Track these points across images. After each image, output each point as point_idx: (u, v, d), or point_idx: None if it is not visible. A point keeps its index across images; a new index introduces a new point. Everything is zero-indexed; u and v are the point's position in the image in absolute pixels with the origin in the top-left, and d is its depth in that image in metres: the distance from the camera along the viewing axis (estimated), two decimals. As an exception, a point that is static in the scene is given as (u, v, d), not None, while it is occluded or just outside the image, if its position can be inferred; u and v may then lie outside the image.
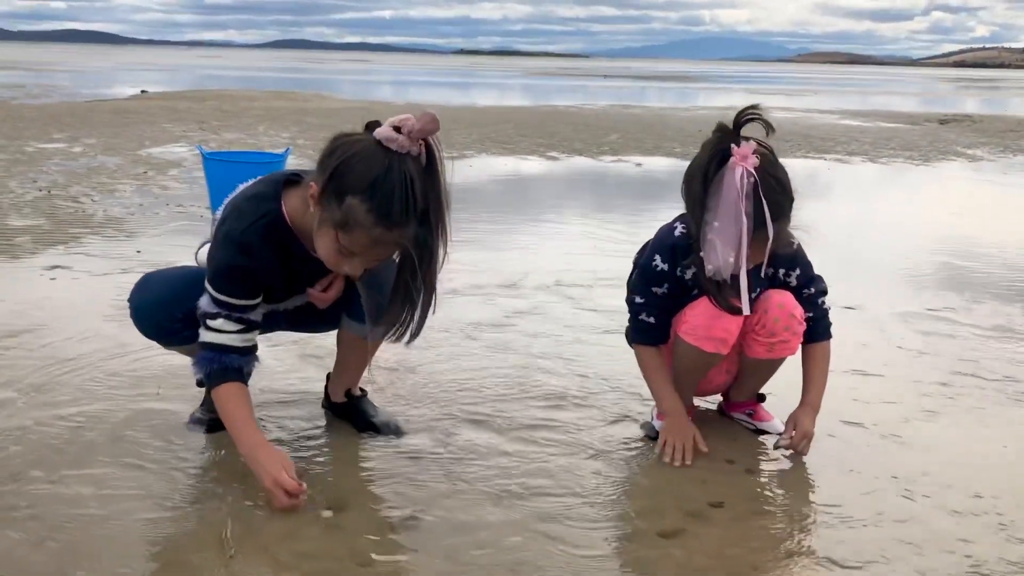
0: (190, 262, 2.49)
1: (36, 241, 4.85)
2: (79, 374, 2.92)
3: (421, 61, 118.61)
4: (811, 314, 2.49)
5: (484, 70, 64.14)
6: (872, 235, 6.09)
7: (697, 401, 2.79)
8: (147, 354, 2.98)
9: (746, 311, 2.29)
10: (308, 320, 2.52)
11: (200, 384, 2.36)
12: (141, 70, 40.31)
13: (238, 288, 2.19)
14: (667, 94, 29.49)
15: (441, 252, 2.10)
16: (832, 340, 2.57)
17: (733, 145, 2.17)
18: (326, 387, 2.71)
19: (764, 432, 2.67)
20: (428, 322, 2.20)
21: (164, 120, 12.31)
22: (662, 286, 2.45)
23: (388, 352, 2.86)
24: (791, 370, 2.60)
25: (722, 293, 2.29)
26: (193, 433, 2.53)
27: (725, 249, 2.18)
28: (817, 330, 2.51)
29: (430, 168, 2.04)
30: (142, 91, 19.97)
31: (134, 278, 2.46)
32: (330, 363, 2.70)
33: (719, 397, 2.80)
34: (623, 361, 2.62)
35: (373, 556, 1.97)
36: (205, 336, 2.22)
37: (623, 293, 2.61)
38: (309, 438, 2.55)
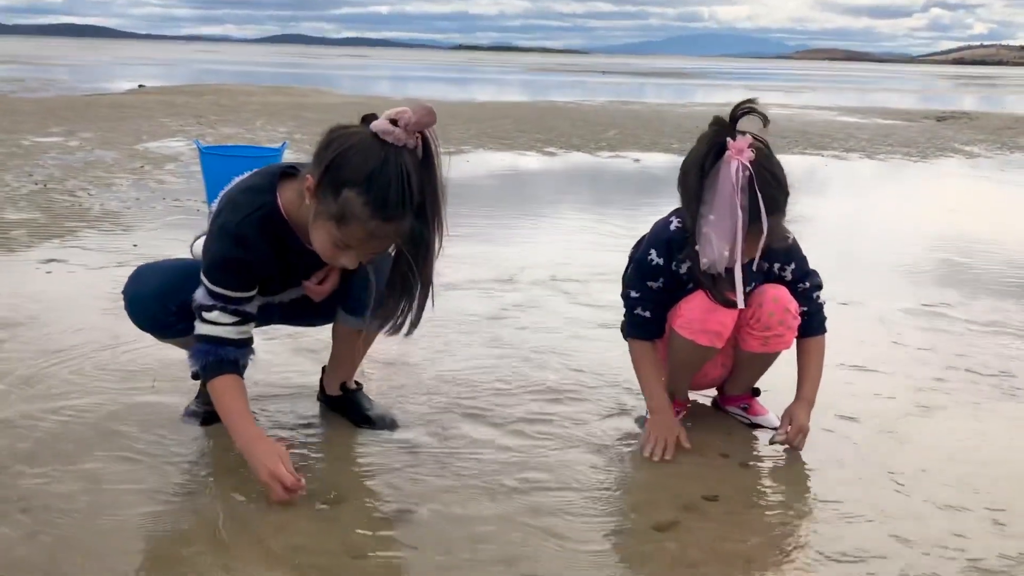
0: (186, 256, 2.49)
1: (32, 235, 4.85)
2: (73, 367, 2.92)
3: (419, 56, 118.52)
4: (806, 308, 2.49)
5: (482, 66, 64.09)
6: (869, 231, 6.10)
7: (692, 395, 2.79)
8: (142, 347, 2.97)
9: (741, 304, 2.29)
10: (303, 313, 2.52)
11: (195, 376, 2.36)
12: (138, 64, 40.27)
13: (233, 280, 2.19)
14: (665, 90, 29.49)
15: (437, 245, 2.10)
16: (828, 335, 2.57)
17: (729, 139, 2.17)
18: (321, 380, 2.71)
19: (759, 426, 2.67)
20: (425, 315, 2.19)
21: (161, 115, 12.29)
22: (657, 280, 2.45)
23: (384, 346, 2.85)
24: (786, 365, 2.60)
25: (717, 286, 2.29)
26: (188, 426, 2.53)
27: (720, 242, 2.18)
28: (812, 324, 2.51)
29: (426, 161, 2.04)
30: (139, 85, 19.93)
31: (130, 272, 2.45)
32: (325, 356, 2.70)
33: (714, 391, 2.81)
34: (619, 355, 2.62)
35: (367, 549, 1.97)
36: (201, 329, 2.21)
37: (619, 288, 2.60)
38: (304, 431, 2.55)
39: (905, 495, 2.30)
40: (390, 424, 2.59)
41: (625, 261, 2.62)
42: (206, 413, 2.53)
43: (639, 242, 2.57)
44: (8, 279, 3.99)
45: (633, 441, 2.56)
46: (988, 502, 2.27)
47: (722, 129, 2.20)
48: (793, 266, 2.48)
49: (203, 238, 2.30)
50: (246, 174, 2.31)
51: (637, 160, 9.52)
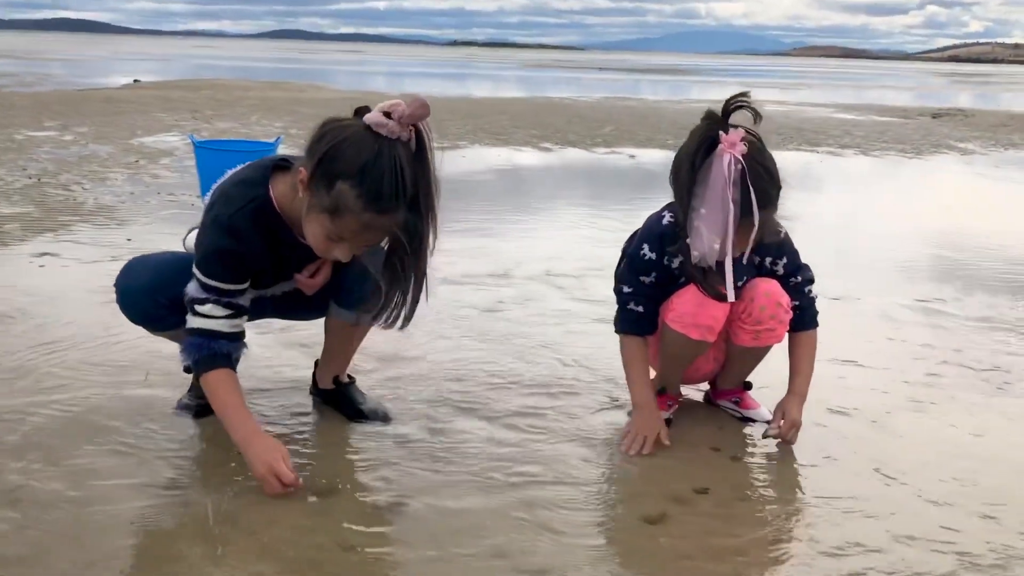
0: (179, 249, 2.48)
1: (25, 229, 4.83)
2: (64, 360, 2.91)
3: (416, 52, 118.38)
4: (798, 303, 2.49)
5: (479, 62, 64.02)
6: (863, 227, 6.11)
7: (684, 389, 2.79)
8: (134, 340, 2.97)
9: (731, 298, 2.29)
10: (296, 307, 2.52)
11: (187, 370, 2.35)
12: (134, 59, 40.15)
13: (226, 272, 2.18)
14: (661, 87, 29.49)
15: (431, 237, 2.10)
16: (820, 329, 2.58)
17: (721, 132, 2.17)
18: (314, 374, 2.71)
19: (750, 420, 2.67)
20: (419, 309, 2.19)
21: (157, 109, 12.26)
22: (650, 275, 2.45)
23: (377, 340, 2.85)
24: (778, 359, 2.60)
25: (708, 280, 2.29)
26: (180, 419, 2.53)
27: (711, 236, 2.18)
28: (804, 319, 2.52)
29: (420, 154, 2.04)
30: (135, 80, 19.90)
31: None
32: (318, 351, 2.70)
33: (706, 385, 2.81)
34: (611, 350, 2.62)
35: (359, 542, 1.97)
36: (193, 322, 2.20)
37: (613, 283, 2.60)
38: (297, 425, 2.55)
39: (897, 489, 2.31)
40: (383, 417, 2.59)
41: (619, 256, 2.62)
42: (199, 406, 2.53)
43: (632, 236, 2.57)
44: (1, 273, 3.98)
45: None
46: (980, 496, 2.28)
47: (714, 123, 2.20)
48: (785, 260, 2.48)
49: (196, 231, 2.29)
50: (239, 167, 2.31)
51: (632, 156, 9.52)
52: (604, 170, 8.60)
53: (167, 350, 2.64)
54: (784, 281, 2.48)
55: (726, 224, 2.17)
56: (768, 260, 2.47)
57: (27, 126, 9.67)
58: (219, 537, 1.96)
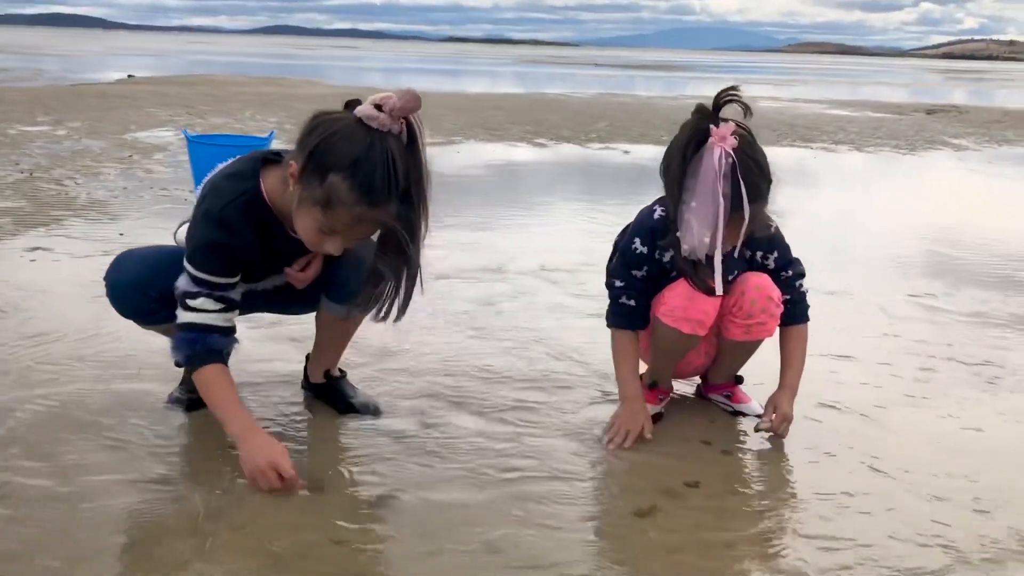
0: (170, 243, 2.47)
1: (17, 223, 4.82)
2: (54, 354, 2.91)
3: (411, 48, 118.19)
4: (788, 297, 2.49)
5: (474, 57, 63.94)
6: (856, 223, 6.11)
7: (676, 383, 2.79)
8: (125, 334, 2.96)
9: (719, 291, 2.29)
10: (287, 301, 2.51)
11: (179, 365, 2.35)
12: (129, 55, 40.02)
13: (218, 265, 2.18)
14: (655, 83, 29.48)
15: (423, 230, 2.10)
16: (813, 324, 2.58)
17: (712, 126, 2.17)
18: (305, 368, 2.70)
19: (741, 414, 2.68)
20: (412, 302, 2.19)
21: (150, 104, 12.24)
22: (641, 269, 2.45)
23: (369, 334, 2.85)
24: (769, 353, 2.60)
25: (698, 273, 2.29)
26: (170, 413, 2.52)
27: (701, 229, 2.18)
28: (795, 313, 2.52)
29: (411, 146, 2.04)
30: (129, 76, 19.84)
31: (114, 260, 2.44)
32: (309, 344, 2.70)
33: (698, 379, 2.81)
34: (604, 344, 2.62)
35: (349, 536, 1.97)
36: (186, 316, 2.19)
37: (605, 277, 2.60)
38: (288, 419, 2.55)
39: (889, 484, 2.31)
40: (374, 411, 2.58)
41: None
42: (190, 400, 2.52)
43: (624, 231, 2.57)
44: (-8, 267, 3.98)
45: (616, 428, 2.56)
46: (972, 490, 2.28)
47: (705, 117, 2.20)
48: (776, 254, 2.48)
49: (186, 225, 2.29)
50: (229, 161, 2.30)
51: (627, 152, 9.52)
52: (598, 166, 8.59)
53: (157, 344, 2.64)
54: (775, 275, 2.48)
55: (716, 217, 2.17)
56: (759, 254, 2.47)
57: (20, 121, 9.64)
58: (209, 532, 1.95)
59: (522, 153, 9.15)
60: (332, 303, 2.48)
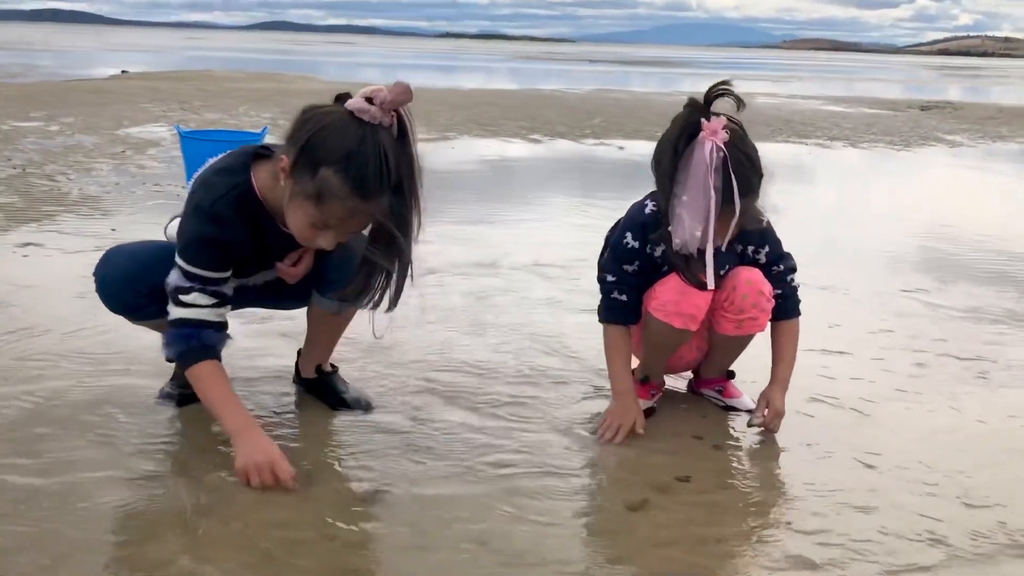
0: (161, 239, 2.46)
1: (9, 219, 4.80)
2: (43, 349, 2.89)
3: (406, 44, 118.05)
4: (780, 291, 2.49)
5: (469, 53, 63.87)
6: (850, 218, 6.12)
7: (668, 378, 2.79)
8: (116, 329, 2.94)
9: (711, 285, 2.29)
10: (278, 296, 2.50)
11: (170, 360, 2.34)
12: (123, 51, 39.95)
13: (210, 259, 2.16)
14: (650, 79, 29.48)
15: (415, 222, 2.09)
16: (806, 319, 2.58)
17: (703, 120, 2.17)
18: (297, 363, 2.70)
19: (733, 409, 2.68)
20: (404, 296, 2.18)
21: (144, 100, 12.19)
22: (633, 264, 2.45)
23: (361, 328, 2.84)
24: (761, 347, 2.60)
25: (690, 268, 2.29)
26: (159, 408, 2.51)
27: (692, 223, 2.18)
28: (786, 307, 2.51)
29: (402, 139, 2.03)
30: (122, 71, 19.78)
31: (107, 256, 2.43)
32: (301, 340, 2.69)
33: (689, 374, 2.81)
34: (596, 339, 2.62)
35: (340, 530, 1.96)
36: (178, 312, 2.17)
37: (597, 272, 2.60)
38: (279, 414, 2.54)
39: (880, 478, 2.31)
40: (366, 406, 2.58)
41: (606, 247, 2.61)
42: (181, 395, 2.51)
43: (615, 226, 2.57)
44: (-17, 263, 3.96)
45: (608, 423, 2.56)
46: (963, 485, 2.28)
47: (696, 110, 2.20)
48: (767, 249, 2.48)
49: (177, 220, 2.28)
50: (219, 156, 2.29)
51: (621, 147, 9.51)
52: (593, 161, 8.59)
53: (148, 339, 2.63)
54: (766, 270, 2.48)
55: (708, 211, 2.16)
56: (750, 249, 2.47)
57: (13, 116, 9.60)
58: (199, 528, 1.94)
59: (516, 149, 9.14)
60: (323, 298, 2.47)
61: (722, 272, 2.39)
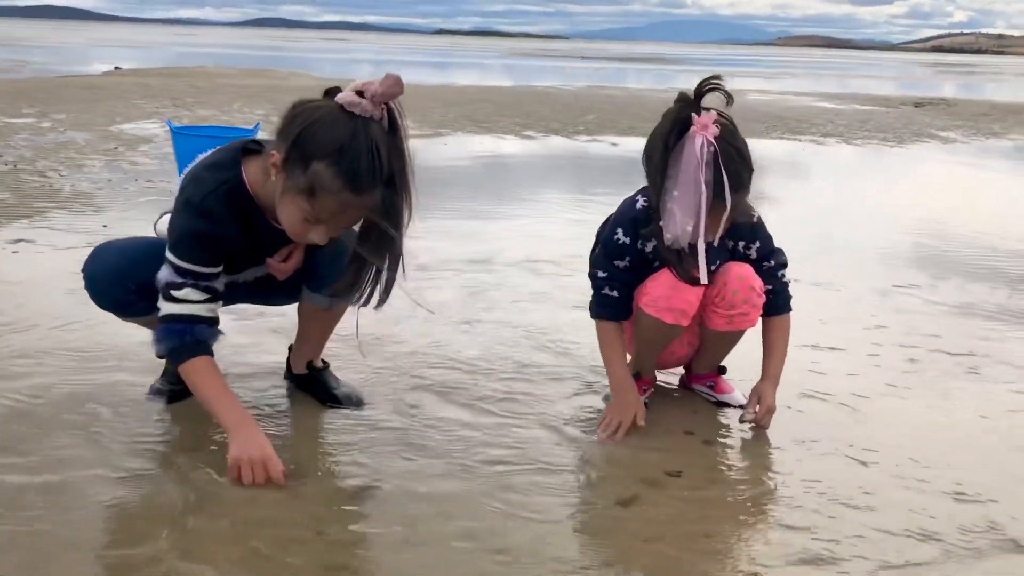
0: (151, 235, 2.45)
1: (0, 215, 4.78)
2: (36, 346, 2.88)
3: (400, 41, 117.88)
4: (771, 287, 2.49)
5: (463, 50, 63.81)
6: (843, 214, 6.12)
7: (659, 374, 2.79)
8: (103, 325, 2.93)
9: (704, 281, 2.29)
10: (269, 292, 2.49)
11: (161, 356, 2.32)
12: (115, 47, 39.81)
13: (201, 254, 2.15)
14: (644, 76, 29.48)
15: (407, 216, 2.08)
16: (799, 314, 2.58)
17: (694, 114, 2.16)
18: (288, 359, 2.69)
19: (725, 404, 2.67)
20: (395, 292, 2.17)
21: (136, 96, 12.16)
22: (624, 259, 2.44)
23: (352, 324, 2.83)
24: (753, 344, 2.60)
25: (682, 263, 2.29)
26: (149, 404, 2.50)
27: (684, 218, 2.17)
28: (777, 303, 2.51)
29: (393, 132, 2.02)
30: (115, 68, 19.72)
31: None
32: (292, 335, 2.68)
33: (681, 369, 2.81)
34: (590, 335, 2.62)
35: (331, 526, 1.96)
36: (170, 308, 2.15)
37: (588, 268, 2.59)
38: (270, 410, 2.53)
39: (871, 474, 2.31)
40: (357, 402, 2.57)
41: (598, 244, 2.61)
42: (172, 391, 2.50)
43: (606, 222, 2.56)
44: (-26, 259, 3.94)
45: (599, 418, 2.54)
46: (954, 480, 2.28)
47: (687, 105, 2.19)
48: (758, 244, 2.47)
49: (167, 216, 2.26)
50: (209, 151, 2.28)
51: (615, 144, 9.51)
52: (586, 158, 8.59)
53: (138, 335, 2.62)
54: (757, 265, 2.47)
55: (699, 206, 2.16)
56: (741, 244, 2.47)
57: (4, 113, 9.56)
58: (189, 525, 1.93)
59: (510, 145, 9.14)
60: (314, 294, 2.46)
61: (713, 267, 2.38)
